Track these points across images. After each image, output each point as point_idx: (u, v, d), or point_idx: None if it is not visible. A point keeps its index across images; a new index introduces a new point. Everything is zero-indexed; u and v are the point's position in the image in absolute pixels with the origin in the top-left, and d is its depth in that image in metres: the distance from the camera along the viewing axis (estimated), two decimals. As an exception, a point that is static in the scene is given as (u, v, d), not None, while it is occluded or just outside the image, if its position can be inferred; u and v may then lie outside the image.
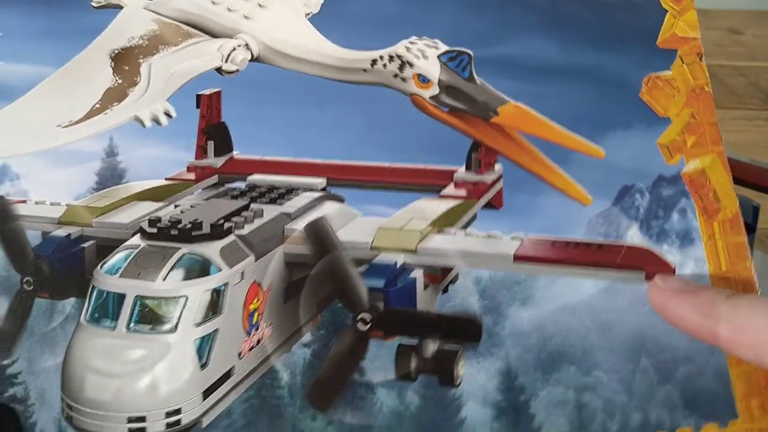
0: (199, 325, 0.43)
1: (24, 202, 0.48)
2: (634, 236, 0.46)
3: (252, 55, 0.49)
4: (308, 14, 0.50)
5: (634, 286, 0.44)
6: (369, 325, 0.43)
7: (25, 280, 0.47)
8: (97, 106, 0.46)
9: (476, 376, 0.45)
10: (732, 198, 0.46)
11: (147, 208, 0.49)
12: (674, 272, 0.44)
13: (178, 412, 0.41)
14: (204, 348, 0.43)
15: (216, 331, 0.43)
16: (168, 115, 0.46)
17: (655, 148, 0.46)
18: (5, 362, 0.46)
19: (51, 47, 0.49)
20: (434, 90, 0.46)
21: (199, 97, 0.51)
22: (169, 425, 0.41)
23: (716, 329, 0.39)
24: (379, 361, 0.45)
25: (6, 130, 0.46)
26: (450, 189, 0.51)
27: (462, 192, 0.50)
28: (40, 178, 0.48)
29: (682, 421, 0.44)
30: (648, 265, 0.44)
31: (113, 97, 0.47)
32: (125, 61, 0.48)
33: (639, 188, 0.47)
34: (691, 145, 0.47)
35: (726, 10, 1.18)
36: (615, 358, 0.45)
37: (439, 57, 0.46)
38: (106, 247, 0.46)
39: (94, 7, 0.51)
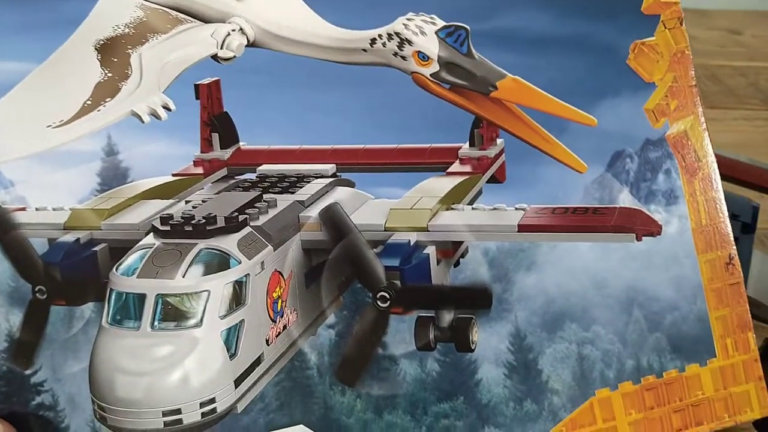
0: (224, 317, 0.43)
1: (23, 209, 0.46)
2: (625, 199, 0.49)
3: (248, 40, 0.47)
4: None
5: (626, 244, 0.47)
6: (389, 303, 0.45)
7: (37, 289, 0.46)
8: (89, 102, 0.44)
9: (489, 340, 0.47)
10: (709, 156, 0.50)
11: (156, 206, 0.48)
12: (661, 230, 0.47)
13: (212, 401, 0.42)
14: (231, 339, 0.44)
15: (242, 321, 0.44)
16: (167, 108, 0.45)
17: (642, 113, 0.49)
18: (28, 372, 0.46)
19: (30, 40, 0.46)
20: (434, 67, 0.47)
21: (197, 87, 0.49)
22: (204, 414, 0.42)
23: None
24: (399, 335, 0.47)
25: None
26: (456, 166, 0.52)
27: (467, 168, 0.52)
28: (37, 183, 0.46)
29: (669, 364, 0.48)
30: (638, 224, 0.47)
31: (105, 92, 0.44)
32: (112, 53, 0.46)
33: (629, 153, 0.49)
34: (674, 109, 0.50)
35: (725, 11, 1.17)
36: (611, 312, 0.48)
37: (437, 33, 0.46)
38: (119, 249, 0.46)
39: None
